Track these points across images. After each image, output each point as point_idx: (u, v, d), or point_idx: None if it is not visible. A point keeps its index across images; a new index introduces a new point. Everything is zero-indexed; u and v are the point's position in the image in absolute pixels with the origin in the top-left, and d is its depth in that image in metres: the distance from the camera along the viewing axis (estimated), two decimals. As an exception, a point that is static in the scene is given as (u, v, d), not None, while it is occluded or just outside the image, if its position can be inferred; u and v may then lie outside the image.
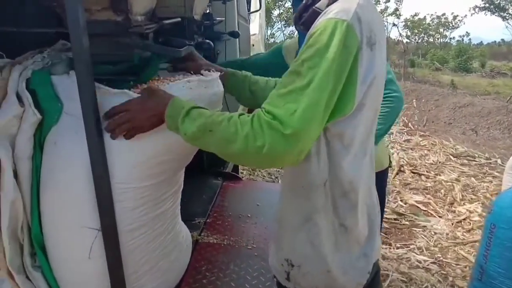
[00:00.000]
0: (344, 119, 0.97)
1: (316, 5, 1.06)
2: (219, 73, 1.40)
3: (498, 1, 20.32)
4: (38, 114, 1.26)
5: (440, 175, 5.40)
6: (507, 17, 21.05)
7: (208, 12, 2.55)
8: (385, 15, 16.62)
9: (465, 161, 6.13)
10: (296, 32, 1.97)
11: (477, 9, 22.13)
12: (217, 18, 2.23)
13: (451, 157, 6.30)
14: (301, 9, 1.14)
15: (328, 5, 1.03)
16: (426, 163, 5.95)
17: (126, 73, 1.35)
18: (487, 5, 20.89)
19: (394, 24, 16.05)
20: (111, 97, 1.20)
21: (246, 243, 2.04)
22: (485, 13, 21.55)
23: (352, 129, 0.99)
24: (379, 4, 16.95)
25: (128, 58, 1.35)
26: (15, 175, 1.30)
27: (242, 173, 4.88)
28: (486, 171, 5.67)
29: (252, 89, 1.41)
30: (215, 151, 1.00)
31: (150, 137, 1.18)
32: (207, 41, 1.40)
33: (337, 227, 1.04)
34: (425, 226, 3.92)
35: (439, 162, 6.00)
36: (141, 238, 1.34)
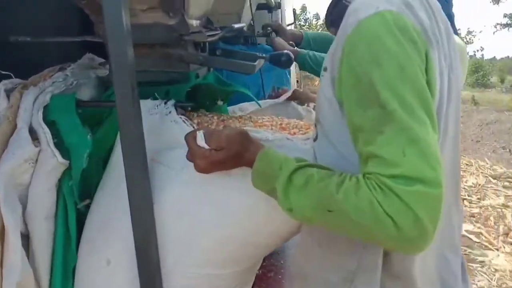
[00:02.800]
0: None
1: None
2: None
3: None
4: (59, 156, 0.90)
5: (484, 200, 4.95)
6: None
7: (251, 23, 2.21)
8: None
9: (507, 183, 5.67)
10: None
11: (498, 26, 21.59)
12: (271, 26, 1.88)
13: (491, 178, 5.84)
14: (332, 5, 0.88)
15: None
16: (465, 185, 5.50)
17: (177, 96, 0.98)
18: (509, 21, 20.41)
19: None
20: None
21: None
22: (508, 29, 21.03)
23: None
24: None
25: (181, 77, 0.99)
26: (27, 239, 0.94)
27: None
28: (534, 195, 5.21)
29: None
30: (338, 233, 0.71)
31: (235, 215, 0.83)
32: (285, 51, 1.04)
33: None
34: (483, 262, 3.48)
35: (479, 185, 5.55)
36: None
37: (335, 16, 0.83)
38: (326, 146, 0.75)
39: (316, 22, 16.37)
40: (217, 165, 0.78)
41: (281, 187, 0.69)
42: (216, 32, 1.02)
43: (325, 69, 0.74)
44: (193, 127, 0.90)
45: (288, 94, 1.39)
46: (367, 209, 0.60)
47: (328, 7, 0.88)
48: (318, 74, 1.84)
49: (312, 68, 1.74)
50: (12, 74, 0.96)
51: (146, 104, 0.94)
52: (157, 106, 0.93)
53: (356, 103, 0.65)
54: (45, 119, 0.92)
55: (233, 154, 0.76)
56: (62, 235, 0.96)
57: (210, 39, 0.96)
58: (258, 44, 1.94)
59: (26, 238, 0.96)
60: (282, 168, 0.70)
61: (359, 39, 0.64)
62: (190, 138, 0.80)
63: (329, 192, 0.64)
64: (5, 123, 0.91)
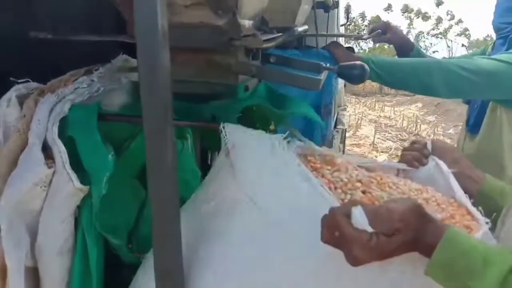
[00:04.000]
0: None
1: None
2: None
3: None
4: (75, 180, 0.74)
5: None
6: None
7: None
8: (451, 35, 15.45)
9: None
10: None
11: None
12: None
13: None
14: None
15: None
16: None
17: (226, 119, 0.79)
18: None
19: (463, 45, 14.86)
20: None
21: None
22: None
23: None
24: (441, 23, 15.81)
25: (228, 90, 0.80)
26: (34, 275, 0.79)
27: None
28: None
29: None
30: None
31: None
32: (359, 63, 0.83)
33: None
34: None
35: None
36: None
37: None
38: None
39: (362, 21, 15.85)
40: (384, 255, 0.56)
41: None
42: (274, 36, 0.82)
43: None
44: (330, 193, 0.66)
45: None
46: None
47: None
48: (381, 81, 1.58)
49: (377, 74, 1.50)
50: (30, 80, 0.81)
51: (264, 140, 0.71)
52: (276, 144, 0.70)
53: None
54: (62, 134, 0.77)
55: (409, 240, 0.55)
56: (79, 274, 0.80)
57: (266, 44, 0.77)
58: (309, 46, 1.72)
59: (36, 272, 0.81)
60: (487, 263, 0.51)
61: None
62: (341, 217, 0.56)
63: None
64: (14, 136, 0.76)
